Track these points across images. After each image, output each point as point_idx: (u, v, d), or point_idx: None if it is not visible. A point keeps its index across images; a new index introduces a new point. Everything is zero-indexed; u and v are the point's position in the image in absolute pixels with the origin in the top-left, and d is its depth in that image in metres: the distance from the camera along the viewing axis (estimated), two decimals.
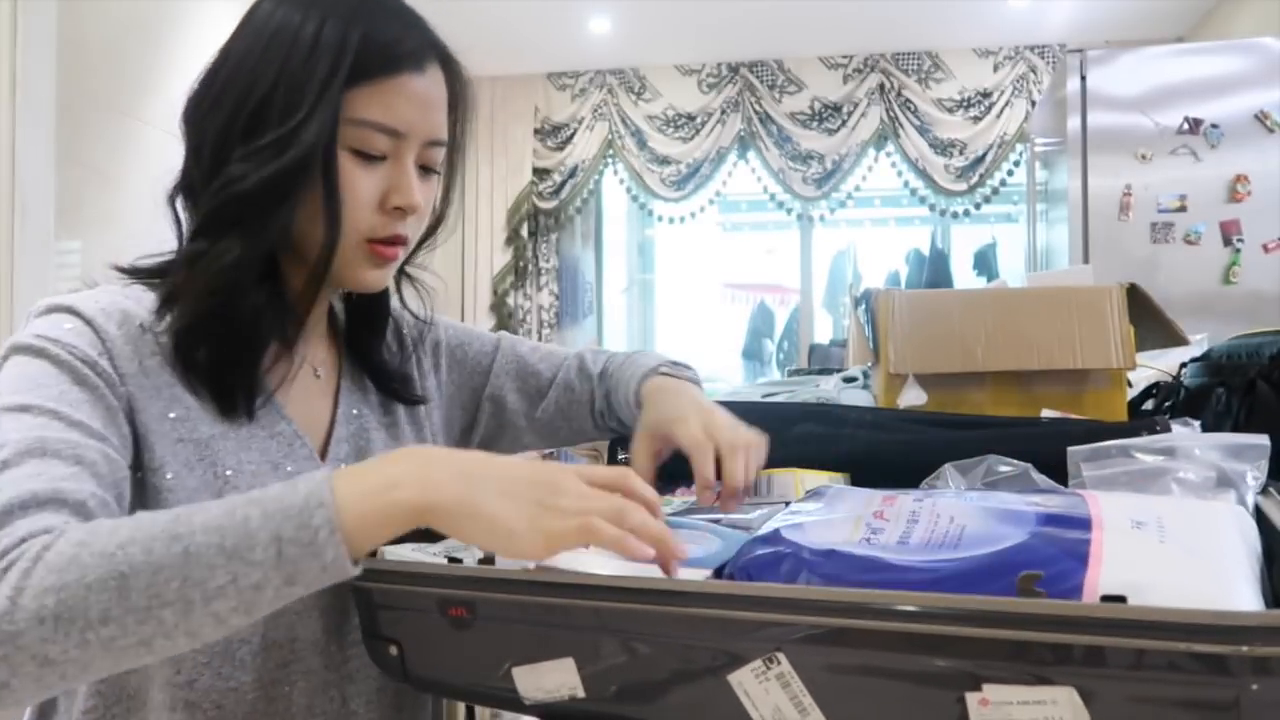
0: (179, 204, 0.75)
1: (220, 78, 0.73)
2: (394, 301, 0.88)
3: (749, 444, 0.79)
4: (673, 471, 1.04)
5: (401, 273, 0.86)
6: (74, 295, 0.70)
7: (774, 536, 0.60)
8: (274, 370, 0.76)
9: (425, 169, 0.77)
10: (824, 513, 0.64)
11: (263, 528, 0.52)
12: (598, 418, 0.97)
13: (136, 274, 0.75)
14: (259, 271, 0.72)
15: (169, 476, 0.68)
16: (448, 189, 0.83)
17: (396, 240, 0.75)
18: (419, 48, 0.74)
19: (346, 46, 0.70)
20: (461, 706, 1.48)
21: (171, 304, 0.71)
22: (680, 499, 0.93)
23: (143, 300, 0.72)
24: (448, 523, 0.56)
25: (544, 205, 4.82)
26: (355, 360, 0.87)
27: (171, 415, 0.69)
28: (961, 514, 0.59)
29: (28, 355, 0.65)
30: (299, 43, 0.71)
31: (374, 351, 0.87)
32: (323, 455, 0.79)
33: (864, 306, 1.29)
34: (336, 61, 0.70)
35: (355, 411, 0.84)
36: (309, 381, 0.82)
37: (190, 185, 0.74)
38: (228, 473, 0.70)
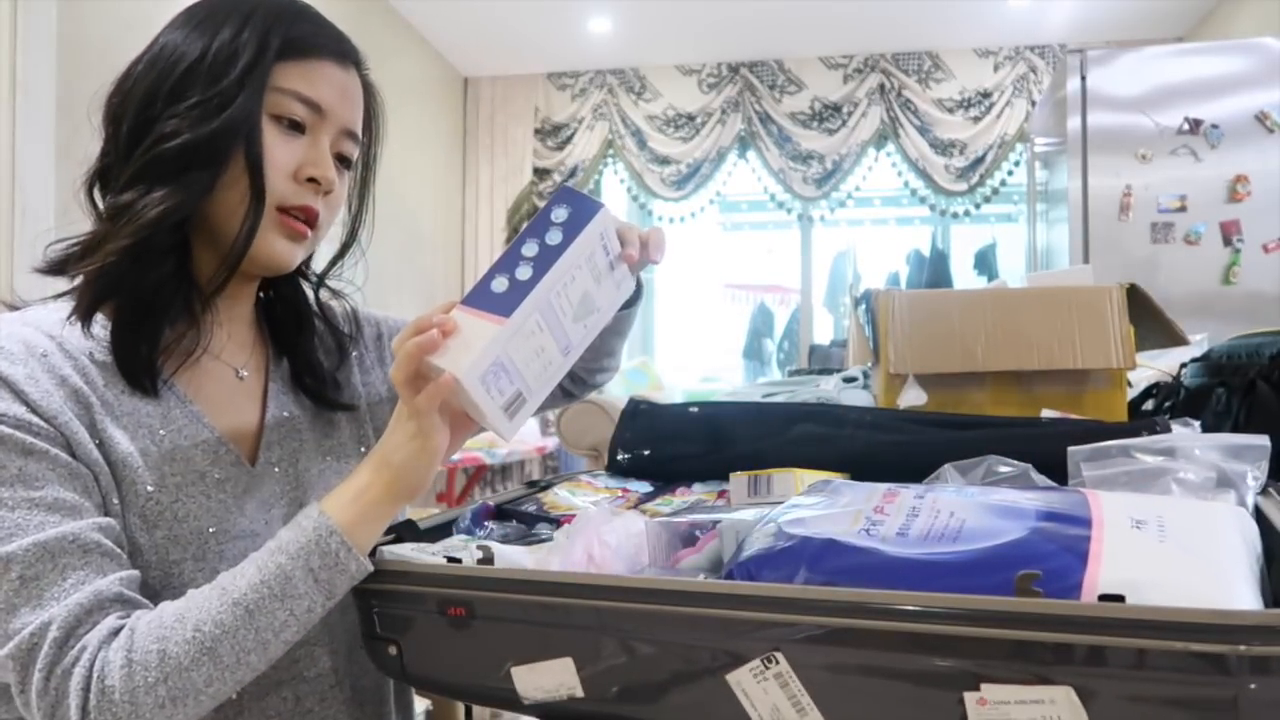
0: (96, 193, 0.77)
1: (144, 61, 0.76)
2: (326, 299, 0.91)
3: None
4: (673, 472, 1.04)
5: (322, 284, 0.89)
6: None
7: (774, 528, 0.60)
8: (174, 352, 0.76)
9: (341, 159, 0.80)
10: (825, 505, 0.64)
11: (295, 568, 0.63)
12: None
13: (17, 308, 0.76)
14: (170, 240, 0.73)
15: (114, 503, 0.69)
16: (360, 206, 0.87)
17: (307, 213, 0.77)
18: (340, 43, 0.80)
19: (277, 27, 0.75)
20: (460, 706, 1.48)
21: (86, 258, 0.72)
22: (680, 498, 0.93)
23: (41, 321, 0.72)
24: (412, 491, 0.68)
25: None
26: (286, 362, 0.87)
27: (96, 441, 0.69)
28: (962, 508, 0.59)
29: None
30: (227, 26, 0.75)
31: (303, 352, 0.87)
32: (253, 460, 0.79)
33: (864, 306, 1.29)
34: (267, 38, 0.74)
35: (286, 414, 0.83)
36: (232, 384, 0.81)
37: (107, 168, 0.76)
38: (149, 488, 0.70)
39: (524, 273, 0.66)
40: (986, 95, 4.42)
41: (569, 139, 4.80)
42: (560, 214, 0.69)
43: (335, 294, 0.91)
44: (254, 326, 0.87)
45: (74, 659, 0.59)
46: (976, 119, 4.42)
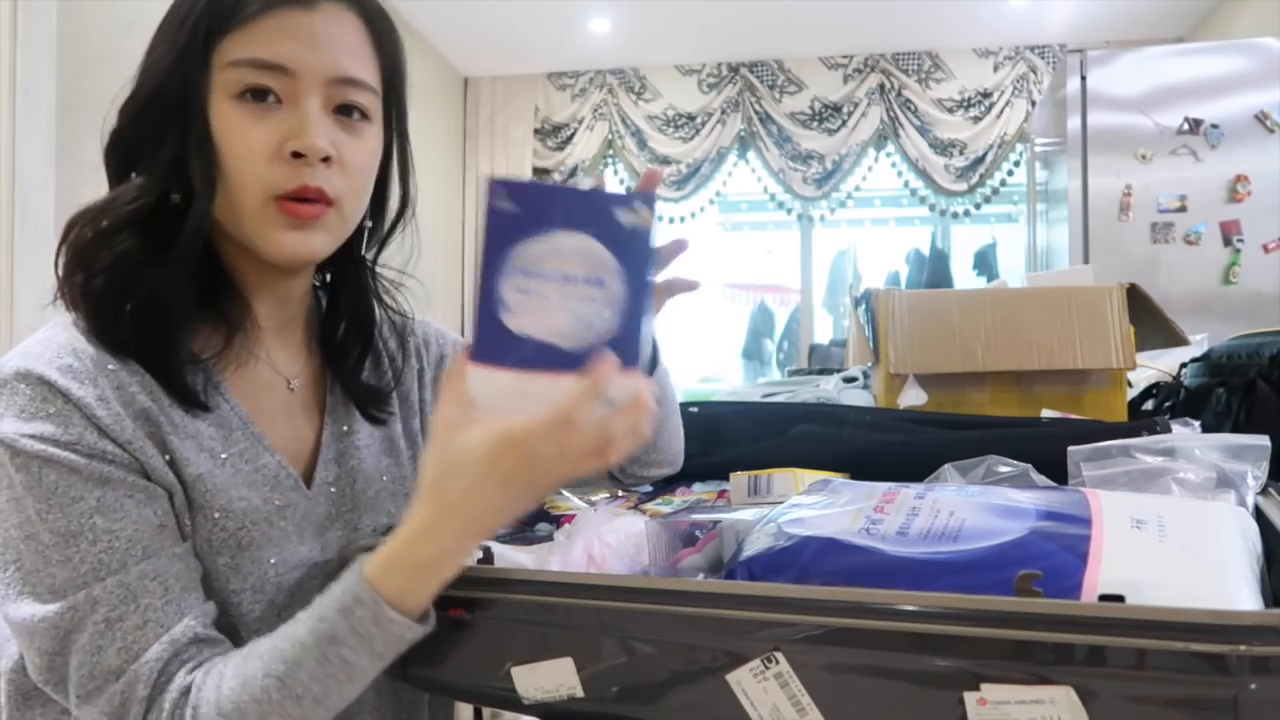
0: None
1: (126, 110, 0.71)
2: (382, 303, 0.84)
3: None
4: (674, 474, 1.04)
5: (374, 274, 0.83)
6: (30, 357, 0.64)
7: (774, 528, 0.60)
8: (223, 357, 0.71)
9: (345, 110, 0.70)
10: (825, 505, 0.64)
11: (360, 654, 0.60)
12: None
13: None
14: (157, 231, 0.67)
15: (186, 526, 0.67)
16: (404, 163, 0.78)
17: (308, 194, 0.68)
18: None
19: (199, 10, 0.67)
20: (468, 707, 1.48)
21: (83, 266, 0.67)
22: (680, 498, 0.93)
23: (88, 353, 0.67)
24: (469, 555, 0.62)
25: None
26: (339, 372, 0.81)
27: (167, 458, 0.66)
28: (962, 508, 0.59)
29: (35, 464, 0.61)
30: (165, 36, 0.69)
31: (358, 356, 0.81)
32: (308, 481, 0.74)
33: (864, 306, 1.29)
34: (194, 23, 0.67)
35: (344, 428, 0.78)
36: (285, 397, 0.76)
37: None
38: (215, 514, 0.67)
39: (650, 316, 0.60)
40: (986, 95, 4.42)
41: (569, 139, 4.80)
42: (649, 235, 0.59)
43: (394, 284, 0.85)
44: (306, 330, 0.80)
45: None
46: (976, 119, 4.42)
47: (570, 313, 0.58)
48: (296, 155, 0.67)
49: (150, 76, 0.68)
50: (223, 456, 0.69)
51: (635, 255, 0.57)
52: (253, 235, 0.69)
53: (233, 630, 0.67)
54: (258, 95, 0.66)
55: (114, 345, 0.66)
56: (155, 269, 0.67)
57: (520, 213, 0.59)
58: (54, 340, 0.66)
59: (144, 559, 0.62)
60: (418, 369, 0.87)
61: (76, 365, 0.64)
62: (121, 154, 0.70)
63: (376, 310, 0.83)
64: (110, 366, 0.65)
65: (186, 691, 0.60)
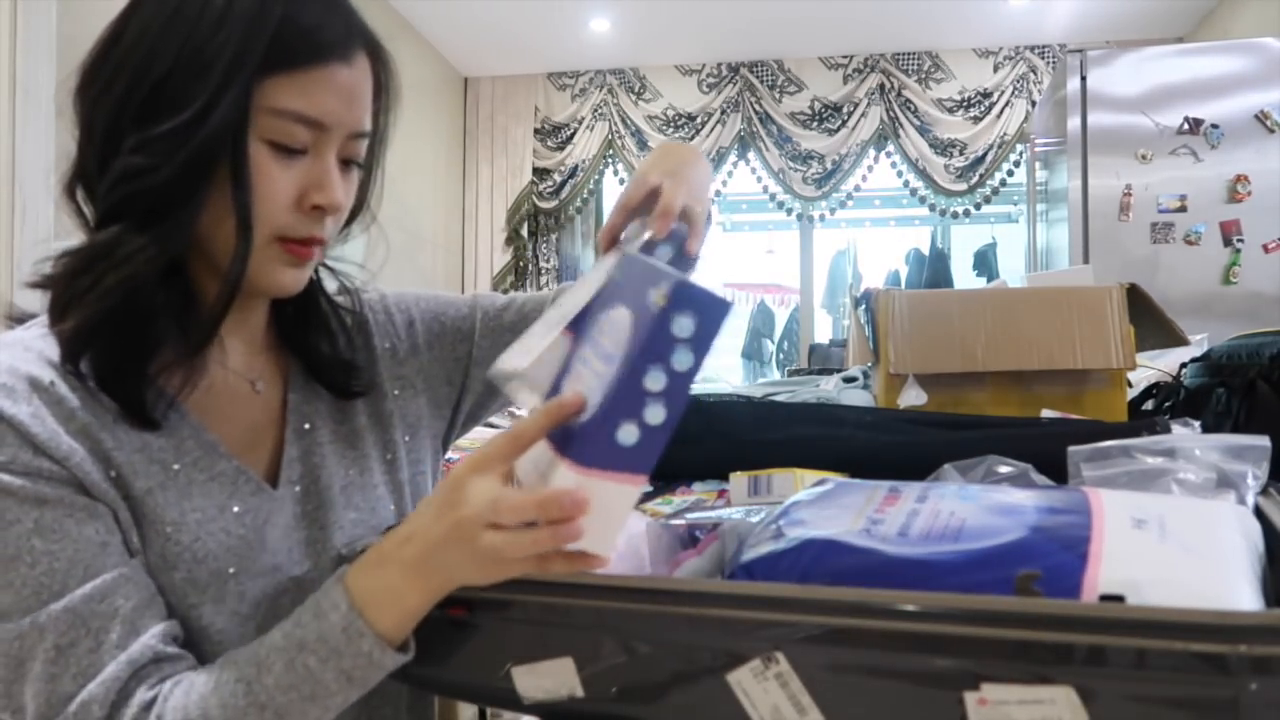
0: (79, 194, 0.68)
1: (116, 50, 0.66)
2: (334, 287, 0.82)
3: (693, 185, 0.75)
4: (672, 471, 1.04)
5: (323, 266, 0.80)
6: None
7: (774, 529, 0.60)
8: (179, 374, 0.68)
9: (346, 162, 0.70)
10: (825, 505, 0.64)
11: (325, 669, 0.59)
12: None
13: (21, 320, 0.69)
14: (163, 271, 0.66)
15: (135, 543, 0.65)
16: (367, 178, 0.76)
17: (312, 240, 0.69)
18: (346, 36, 0.67)
19: (262, 27, 0.63)
20: (470, 706, 1.48)
21: (68, 308, 0.64)
22: (680, 498, 0.93)
23: (46, 347, 0.65)
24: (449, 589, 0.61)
25: (544, 205, 4.83)
26: (302, 365, 0.79)
27: (111, 474, 0.64)
28: (962, 508, 0.59)
29: None
30: (206, 16, 0.63)
31: (315, 345, 0.79)
32: (273, 482, 0.73)
33: (864, 306, 1.29)
34: (248, 41, 0.63)
35: (306, 426, 0.76)
36: (248, 399, 0.75)
37: (85, 172, 0.67)
38: (167, 529, 0.65)
39: (655, 415, 0.53)
40: (986, 95, 4.42)
41: (569, 139, 4.80)
42: (685, 326, 0.53)
43: (341, 281, 0.82)
44: (268, 330, 0.79)
45: None
46: (976, 119, 4.42)
47: (586, 387, 0.56)
48: (316, 208, 0.68)
49: (179, 102, 0.63)
50: (175, 468, 0.67)
51: (648, 339, 0.52)
52: (248, 270, 0.67)
53: (196, 647, 0.65)
54: (291, 149, 0.66)
55: (73, 358, 0.64)
56: (151, 295, 0.65)
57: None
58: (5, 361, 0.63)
59: (86, 579, 0.61)
60: (388, 346, 0.85)
61: (10, 383, 0.62)
62: (130, 187, 0.64)
63: (320, 290, 0.81)
64: (48, 381, 0.63)
65: (149, 705, 0.59)
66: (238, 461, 0.71)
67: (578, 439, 0.54)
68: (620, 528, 0.56)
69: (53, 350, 0.65)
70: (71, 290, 0.65)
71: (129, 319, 0.65)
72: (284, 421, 0.76)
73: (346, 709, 0.62)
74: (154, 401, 0.67)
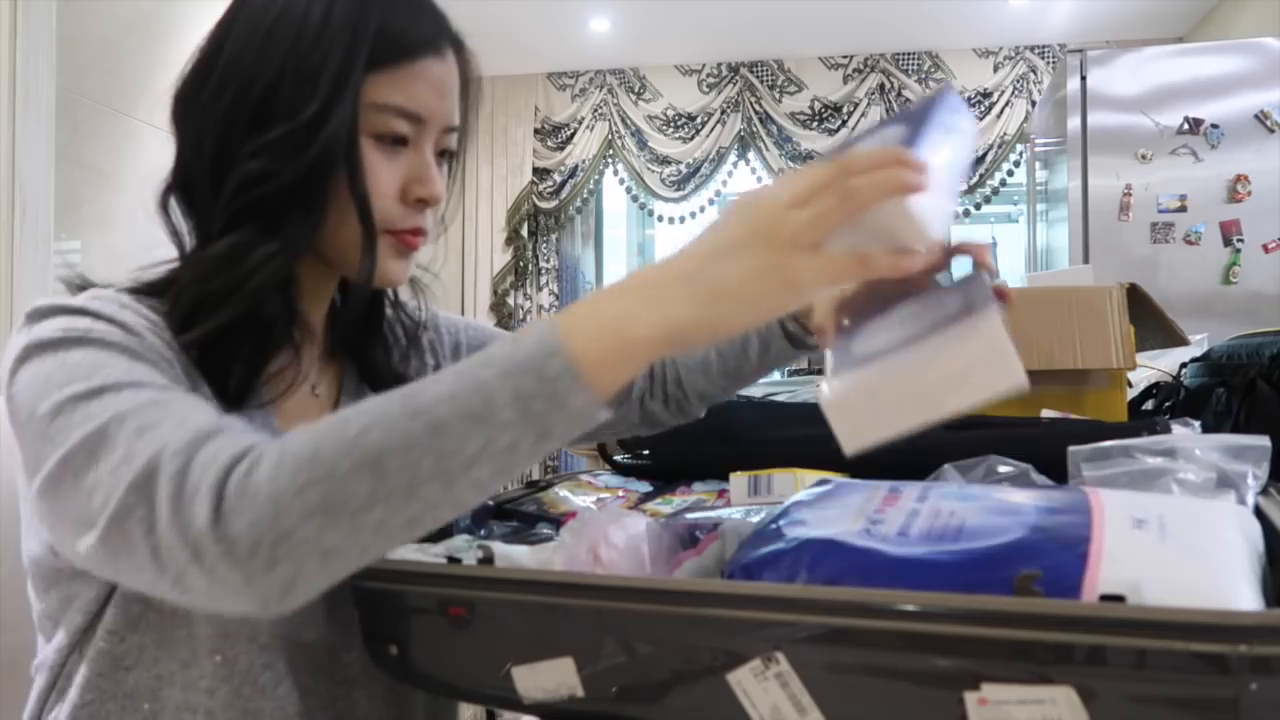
0: (173, 205, 0.70)
1: (218, 65, 0.68)
2: (397, 297, 0.84)
3: None
4: (672, 471, 1.04)
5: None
6: (73, 299, 0.63)
7: (774, 529, 0.60)
8: (274, 379, 0.70)
9: (440, 155, 0.73)
10: (825, 505, 0.64)
11: (501, 388, 0.48)
12: (640, 396, 0.93)
13: (136, 291, 0.68)
14: (280, 281, 0.68)
15: None
16: (449, 177, 0.78)
17: (418, 231, 0.72)
18: (437, 33, 0.71)
19: (362, 31, 0.66)
20: (475, 708, 1.48)
21: (196, 310, 0.65)
22: (680, 498, 0.93)
23: (141, 312, 0.65)
24: (695, 344, 0.51)
25: (544, 205, 4.82)
26: (356, 371, 0.81)
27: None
28: (962, 508, 0.59)
29: (60, 350, 0.57)
30: (307, 27, 0.66)
31: (369, 350, 0.81)
32: None
33: None
34: (353, 46, 0.66)
35: None
36: (308, 401, 0.76)
37: (188, 183, 0.70)
38: None
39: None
40: (987, 95, 4.42)
41: (569, 139, 4.80)
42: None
43: (413, 284, 0.83)
44: (326, 332, 0.80)
45: (204, 466, 0.49)
46: (977, 119, 4.42)
47: None
48: (419, 200, 0.71)
49: (291, 107, 0.65)
50: None
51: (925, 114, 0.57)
52: (358, 261, 0.69)
53: (237, 639, 0.65)
54: (395, 139, 0.69)
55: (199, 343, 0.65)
56: (270, 306, 0.68)
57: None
58: (90, 297, 0.63)
59: (170, 389, 0.57)
60: (433, 364, 0.87)
61: (121, 316, 0.62)
62: (252, 193, 0.66)
63: (388, 308, 0.84)
64: (148, 326, 0.63)
65: (243, 454, 0.50)
66: None
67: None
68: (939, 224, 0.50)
69: (145, 311, 0.65)
70: (200, 297, 0.65)
71: (253, 326, 0.67)
72: None
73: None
74: (253, 403, 0.68)
